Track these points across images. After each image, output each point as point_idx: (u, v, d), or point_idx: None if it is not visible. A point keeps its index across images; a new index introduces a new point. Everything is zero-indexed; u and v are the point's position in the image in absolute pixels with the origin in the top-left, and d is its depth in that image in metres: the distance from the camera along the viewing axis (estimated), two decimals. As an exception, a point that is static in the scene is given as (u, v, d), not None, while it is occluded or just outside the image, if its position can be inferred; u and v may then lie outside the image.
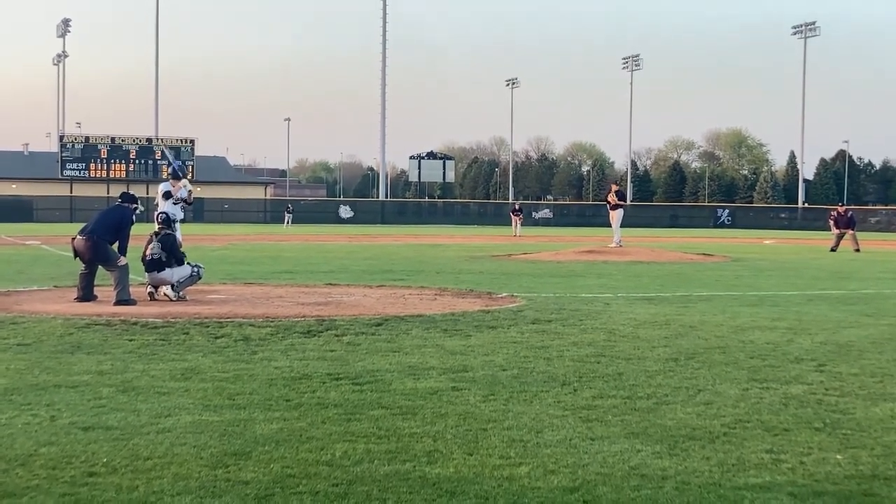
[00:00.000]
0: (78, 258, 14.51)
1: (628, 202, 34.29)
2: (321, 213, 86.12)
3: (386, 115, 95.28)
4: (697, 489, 5.30)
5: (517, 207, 61.54)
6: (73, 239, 14.63)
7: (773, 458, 5.97)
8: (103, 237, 14.39)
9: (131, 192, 15.98)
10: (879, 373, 9.01)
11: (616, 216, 33.63)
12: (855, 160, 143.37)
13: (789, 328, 12.14)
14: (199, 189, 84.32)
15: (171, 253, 14.79)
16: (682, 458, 5.94)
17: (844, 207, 39.38)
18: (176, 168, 18.55)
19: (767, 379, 8.61)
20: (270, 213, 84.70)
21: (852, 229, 37.36)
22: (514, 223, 57.29)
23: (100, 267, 14.41)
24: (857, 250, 35.29)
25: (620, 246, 31.58)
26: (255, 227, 66.36)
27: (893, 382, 8.56)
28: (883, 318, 13.49)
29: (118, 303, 13.66)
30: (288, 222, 71.72)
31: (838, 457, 6.02)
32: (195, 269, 14.95)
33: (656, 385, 8.26)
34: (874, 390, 8.19)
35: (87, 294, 14.19)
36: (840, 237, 36.90)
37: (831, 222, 38.48)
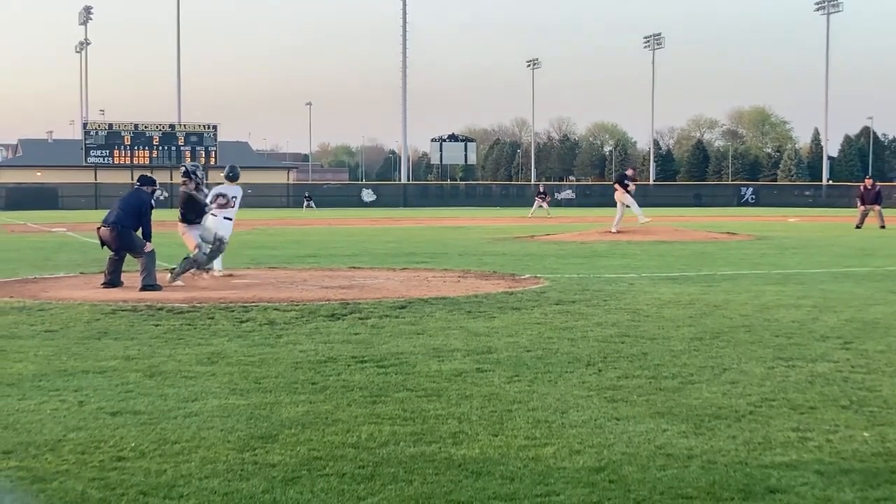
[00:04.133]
0: (105, 247, 14.61)
1: (638, 182, 33.42)
2: (344, 197, 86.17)
3: (406, 99, 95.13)
4: (724, 468, 5.29)
5: (542, 190, 60.95)
6: (99, 229, 14.70)
7: (799, 436, 5.95)
8: (127, 225, 14.44)
9: (150, 175, 15.94)
10: (906, 350, 8.96)
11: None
12: (879, 136, 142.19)
13: (815, 306, 12.08)
14: (221, 174, 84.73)
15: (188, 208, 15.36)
16: (708, 437, 5.93)
17: (871, 181, 38.47)
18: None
19: (793, 357, 8.58)
20: (293, 197, 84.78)
21: (879, 204, 36.59)
22: (536, 204, 56.67)
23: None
24: (883, 227, 34.80)
25: (616, 231, 30.98)
26: (278, 212, 66.44)
27: (920, 359, 8.51)
28: (909, 294, 13.39)
29: (144, 288, 13.73)
30: (306, 206, 71.84)
31: (865, 434, 6.00)
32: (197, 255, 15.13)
33: (681, 364, 8.25)
34: (901, 367, 8.14)
35: (114, 279, 14.27)
36: (865, 214, 36.27)
37: (858, 200, 37.75)
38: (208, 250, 15.42)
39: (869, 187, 37.46)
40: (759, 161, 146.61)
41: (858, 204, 37.39)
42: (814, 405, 6.78)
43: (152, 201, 15.03)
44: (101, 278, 14.51)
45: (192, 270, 15.20)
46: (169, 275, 14.90)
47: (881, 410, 6.64)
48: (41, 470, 5.31)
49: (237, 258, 19.35)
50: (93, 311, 11.57)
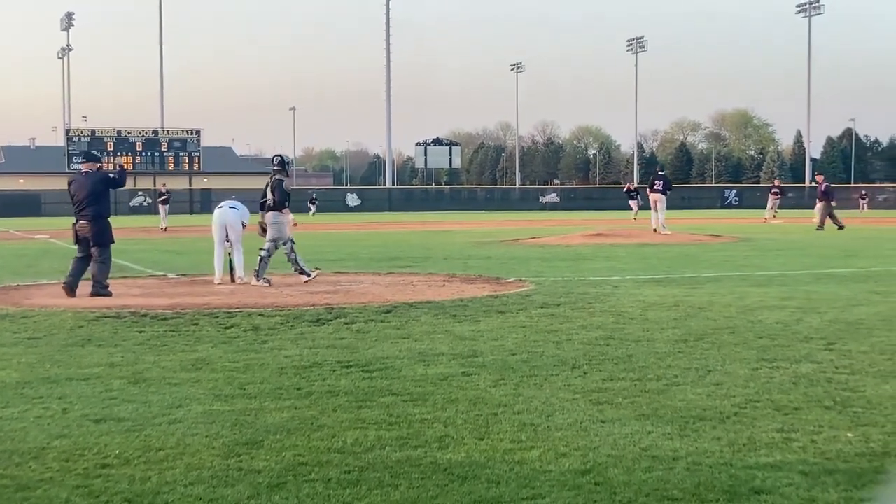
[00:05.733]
0: (78, 244, 14.41)
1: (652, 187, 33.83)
2: (328, 202, 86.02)
3: (391, 103, 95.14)
4: (708, 469, 5.30)
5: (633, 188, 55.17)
6: (76, 224, 14.44)
7: (783, 437, 5.97)
8: (105, 214, 14.37)
9: (93, 152, 16.12)
10: (889, 350, 9.01)
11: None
12: (861, 138, 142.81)
13: (798, 307, 12.13)
14: (206, 180, 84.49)
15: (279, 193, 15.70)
16: (693, 438, 5.95)
17: (822, 178, 38.18)
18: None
19: (777, 358, 8.61)
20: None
21: (825, 201, 35.98)
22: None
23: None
24: (820, 228, 34.73)
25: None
26: (262, 217, 66.35)
27: (903, 359, 8.54)
28: (892, 295, 13.47)
29: (97, 293, 13.69)
30: (313, 212, 71.74)
31: (849, 435, 6.02)
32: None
33: (666, 367, 8.26)
34: (884, 368, 8.19)
35: (74, 282, 13.95)
36: (824, 212, 35.86)
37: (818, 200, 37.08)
38: (272, 250, 15.67)
39: (819, 182, 37.64)
40: (742, 163, 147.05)
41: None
42: (798, 406, 6.80)
43: (109, 175, 15.17)
44: (84, 286, 14.21)
45: (236, 274, 15.67)
46: (254, 279, 15.30)
47: (865, 411, 6.67)
48: (25, 478, 5.28)
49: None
50: (76, 318, 11.52)
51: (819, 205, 36.32)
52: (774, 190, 52.84)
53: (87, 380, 7.93)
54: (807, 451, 5.68)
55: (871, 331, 10.20)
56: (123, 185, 15.34)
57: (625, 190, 55.84)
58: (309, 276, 15.67)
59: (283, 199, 15.81)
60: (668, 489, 4.98)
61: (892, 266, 19.08)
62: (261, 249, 15.62)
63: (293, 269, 15.82)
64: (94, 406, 6.97)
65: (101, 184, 14.61)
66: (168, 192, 46.49)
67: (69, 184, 14.86)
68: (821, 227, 35.06)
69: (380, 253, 24.64)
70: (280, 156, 16.54)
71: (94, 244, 14.22)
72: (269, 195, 15.83)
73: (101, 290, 13.90)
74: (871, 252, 23.59)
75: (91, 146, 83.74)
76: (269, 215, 15.87)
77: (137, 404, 7.01)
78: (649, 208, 33.33)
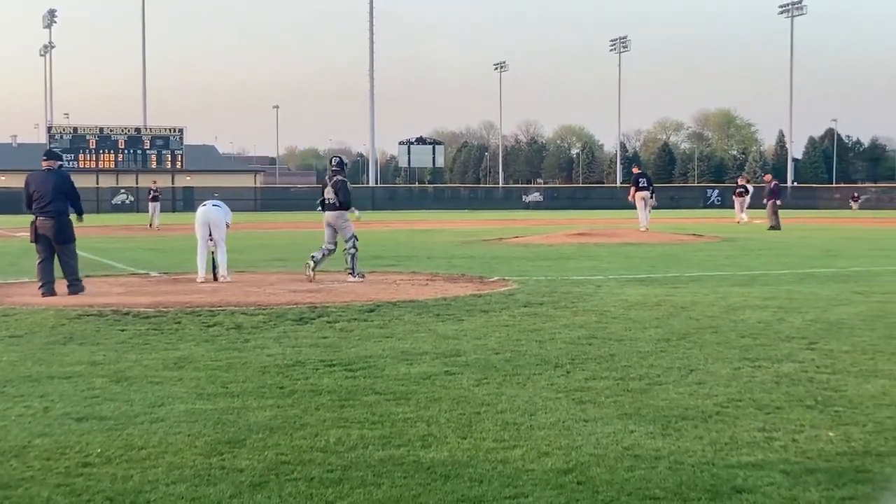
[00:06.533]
0: (37, 243, 14.12)
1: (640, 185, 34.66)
2: (311, 201, 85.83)
3: (374, 101, 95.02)
4: (691, 468, 5.32)
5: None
6: (35, 222, 14.16)
7: (765, 436, 6.00)
8: (63, 210, 14.19)
9: (55, 150, 16.00)
10: (870, 350, 9.05)
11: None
12: (843, 138, 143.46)
13: (780, 307, 12.17)
14: (188, 178, 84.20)
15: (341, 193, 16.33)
16: (675, 437, 5.96)
17: (770, 177, 38.40)
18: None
19: (759, 358, 8.64)
20: (261, 200, 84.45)
21: (771, 200, 36.27)
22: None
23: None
24: (773, 227, 34.90)
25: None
26: (245, 215, 66.24)
27: (884, 359, 8.60)
28: (873, 295, 13.53)
29: (75, 292, 13.66)
30: (320, 210, 71.89)
31: (830, 434, 6.05)
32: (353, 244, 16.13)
33: (648, 366, 8.28)
34: (865, 367, 8.23)
35: (52, 286, 13.83)
36: (775, 211, 36.13)
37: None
38: (357, 245, 16.20)
39: (768, 181, 37.83)
40: (725, 163, 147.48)
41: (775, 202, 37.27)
42: (779, 405, 6.83)
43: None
44: (52, 285, 13.90)
45: (309, 271, 15.93)
46: (350, 276, 15.86)
47: (846, 410, 6.70)
48: (6, 476, 5.26)
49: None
50: (58, 317, 11.47)
51: (769, 204, 36.61)
52: (739, 189, 46.54)
53: (69, 378, 7.90)
54: (788, 450, 5.71)
55: (852, 330, 10.25)
56: (76, 202, 14.76)
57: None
58: (361, 277, 16.00)
59: (347, 199, 16.41)
60: (651, 488, 4.99)
61: (874, 266, 19.18)
62: (349, 249, 16.09)
63: (347, 267, 16.16)
64: (75, 404, 6.94)
65: (67, 183, 14.43)
66: (158, 190, 45.38)
67: (28, 180, 14.58)
68: (776, 226, 35.27)
69: (363, 252, 24.52)
70: (339, 157, 17.13)
71: (58, 242, 14.04)
72: (333, 196, 16.32)
73: (77, 286, 13.86)
74: (852, 252, 23.70)
75: (73, 143, 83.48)
76: (335, 214, 16.36)
77: (119, 403, 6.99)
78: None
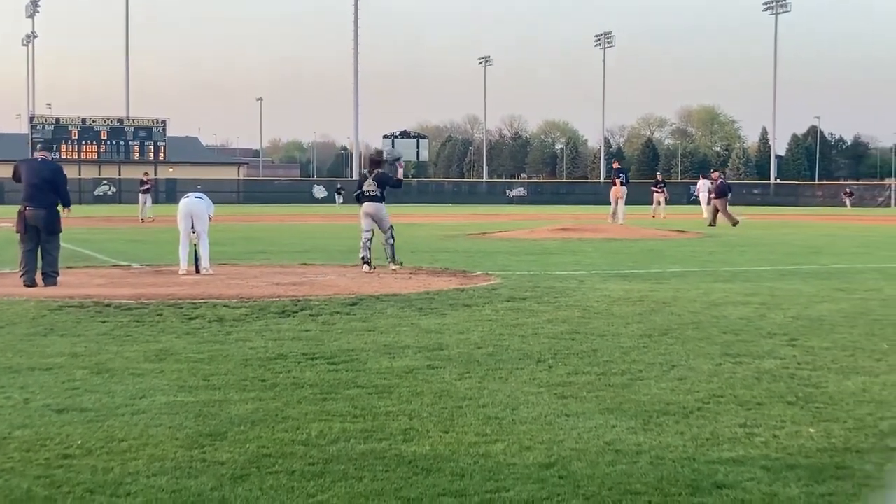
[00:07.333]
0: (22, 233, 14.10)
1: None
2: (295, 193, 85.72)
3: (359, 94, 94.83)
4: (671, 464, 5.33)
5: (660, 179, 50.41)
6: (24, 211, 14.17)
7: (746, 432, 6.02)
8: (54, 202, 14.26)
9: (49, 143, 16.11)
10: (851, 346, 9.09)
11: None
12: (826, 136, 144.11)
13: (762, 303, 12.22)
14: (171, 170, 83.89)
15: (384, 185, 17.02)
16: (657, 433, 5.98)
17: (717, 174, 38.73)
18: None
19: (740, 354, 8.67)
20: (244, 193, 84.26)
21: (719, 198, 36.40)
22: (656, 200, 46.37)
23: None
24: (712, 224, 34.99)
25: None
26: (228, 208, 66.10)
27: (865, 356, 8.64)
28: (855, 292, 13.59)
29: (51, 283, 13.65)
30: (339, 202, 71.83)
31: (811, 430, 6.08)
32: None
33: (630, 361, 8.30)
34: (846, 364, 8.26)
35: (33, 276, 13.83)
36: (716, 209, 36.29)
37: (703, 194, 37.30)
38: (394, 235, 17.02)
39: (714, 179, 38.06)
40: (708, 159, 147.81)
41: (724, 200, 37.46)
42: (760, 401, 6.86)
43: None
44: (31, 276, 13.84)
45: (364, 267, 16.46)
46: (391, 265, 16.49)
47: (826, 406, 6.73)
48: (-15, 468, 5.23)
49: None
50: (39, 308, 11.42)
51: (715, 201, 36.79)
52: (659, 186, 46.11)
53: (50, 370, 7.86)
54: (769, 445, 5.73)
55: (833, 327, 10.29)
56: (63, 192, 14.77)
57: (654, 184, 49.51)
58: (400, 265, 16.62)
59: (385, 194, 17.04)
60: (632, 483, 5.00)
61: (856, 263, 19.27)
62: (388, 239, 16.87)
63: (387, 257, 16.77)
64: (56, 396, 6.91)
65: (59, 174, 14.55)
66: (150, 181, 43.23)
67: (18, 166, 14.61)
68: (712, 223, 35.47)
69: (347, 245, 24.57)
70: (381, 150, 17.60)
71: (48, 232, 14.07)
72: (375, 188, 16.90)
73: (54, 278, 13.88)
74: (834, 249, 23.80)
75: (55, 134, 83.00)
76: (376, 206, 16.92)
77: (100, 395, 6.96)
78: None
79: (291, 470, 5.19)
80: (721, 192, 36.64)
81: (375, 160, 17.48)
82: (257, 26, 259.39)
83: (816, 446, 5.73)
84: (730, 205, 38.86)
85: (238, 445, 5.65)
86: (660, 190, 46.24)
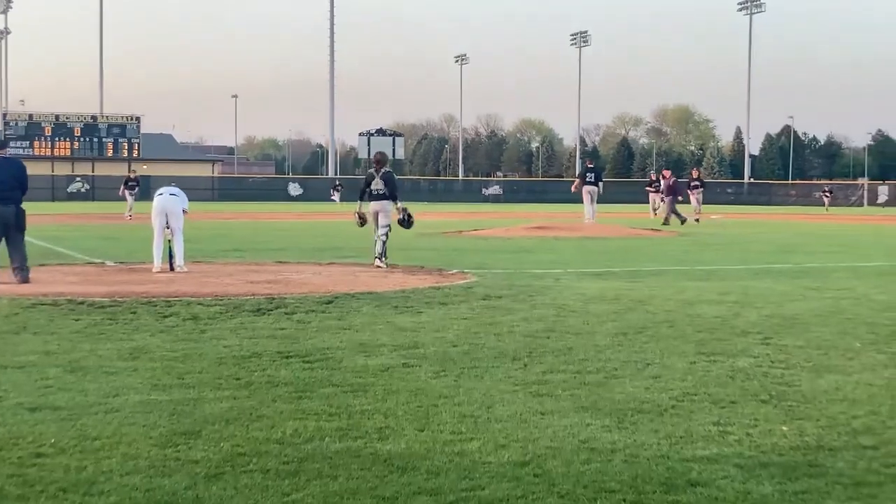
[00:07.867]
0: None
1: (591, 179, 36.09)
2: (270, 191, 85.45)
3: (334, 92, 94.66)
4: (646, 462, 5.35)
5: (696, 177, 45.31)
6: None
7: (720, 430, 6.04)
8: (20, 199, 14.21)
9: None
10: (824, 345, 9.15)
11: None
12: (800, 135, 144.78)
13: (736, 302, 12.28)
14: (145, 167, 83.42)
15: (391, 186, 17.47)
16: (631, 431, 6.00)
17: (669, 173, 39.30)
18: None
19: (715, 352, 8.71)
20: (218, 190, 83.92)
21: (671, 196, 36.74)
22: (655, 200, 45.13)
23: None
24: (666, 223, 35.25)
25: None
26: (203, 205, 65.84)
27: (838, 355, 8.69)
28: (827, 291, 13.68)
29: (26, 280, 13.58)
30: (338, 200, 71.42)
31: (784, 428, 6.11)
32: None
33: (605, 359, 8.32)
34: (819, 362, 8.31)
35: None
36: (672, 206, 36.46)
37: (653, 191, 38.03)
38: (389, 233, 17.25)
39: (666, 177, 38.53)
40: (683, 159, 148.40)
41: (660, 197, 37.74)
42: (734, 400, 6.89)
43: None
44: (14, 273, 13.78)
45: (382, 264, 16.69)
46: (377, 261, 16.69)
47: (799, 405, 6.77)
48: (-43, 467, 5.19)
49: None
50: (11, 306, 11.34)
51: (667, 199, 37.13)
52: (694, 183, 42.62)
53: (23, 368, 7.81)
54: (742, 444, 5.76)
55: (806, 326, 10.35)
56: (26, 188, 14.63)
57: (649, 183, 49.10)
58: (384, 266, 16.62)
59: (394, 191, 17.49)
60: (606, 481, 5.02)
61: (828, 262, 19.40)
62: (381, 235, 17.03)
63: (376, 252, 16.93)
64: (29, 394, 6.86)
65: (23, 171, 14.52)
66: (137, 178, 42.67)
67: None
68: (666, 222, 35.66)
69: (322, 243, 24.54)
70: (384, 152, 19.03)
71: (18, 230, 14.05)
72: (382, 186, 17.30)
73: (27, 272, 13.79)
74: (806, 248, 23.96)
75: (28, 130, 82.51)
76: (382, 203, 17.32)
77: (73, 393, 6.92)
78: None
79: (266, 469, 5.17)
80: (672, 190, 37.10)
81: (380, 160, 18.08)
82: (233, 24, 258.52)
83: (790, 444, 5.76)
84: (703, 204, 39.09)
85: (212, 444, 5.62)
86: (654, 190, 45.71)
